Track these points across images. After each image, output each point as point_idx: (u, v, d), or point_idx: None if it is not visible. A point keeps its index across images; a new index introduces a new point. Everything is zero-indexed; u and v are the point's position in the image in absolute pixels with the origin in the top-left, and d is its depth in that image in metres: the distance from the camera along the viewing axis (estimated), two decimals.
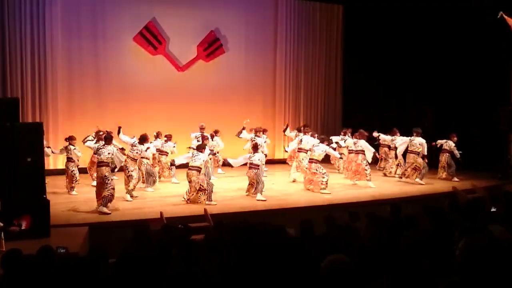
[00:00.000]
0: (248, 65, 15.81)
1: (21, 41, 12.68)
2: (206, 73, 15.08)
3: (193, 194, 9.72)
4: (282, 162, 14.99)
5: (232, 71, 15.53)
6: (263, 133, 12.92)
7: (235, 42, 15.50)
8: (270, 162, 14.40)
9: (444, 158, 12.76)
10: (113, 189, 9.06)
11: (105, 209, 8.80)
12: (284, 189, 11.42)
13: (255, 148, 10.65)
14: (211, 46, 15.06)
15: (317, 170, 10.98)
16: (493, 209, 6.70)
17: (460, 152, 12.59)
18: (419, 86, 15.18)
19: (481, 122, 13.87)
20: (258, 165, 10.36)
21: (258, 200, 10.02)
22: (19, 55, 12.70)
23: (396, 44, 15.11)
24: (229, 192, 10.91)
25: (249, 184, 10.52)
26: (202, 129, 12.23)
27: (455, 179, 12.56)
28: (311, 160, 11.20)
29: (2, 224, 6.44)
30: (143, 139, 10.58)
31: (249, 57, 15.78)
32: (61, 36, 13.28)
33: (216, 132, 12.73)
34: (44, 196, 7.70)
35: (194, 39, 14.84)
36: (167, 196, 10.49)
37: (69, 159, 10.74)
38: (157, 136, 11.94)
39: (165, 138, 11.97)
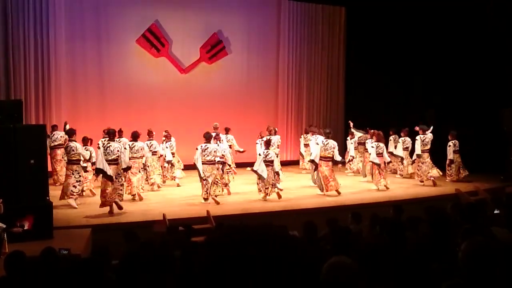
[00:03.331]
0: (251, 67, 15.82)
1: (25, 43, 12.72)
2: (209, 75, 15.11)
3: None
4: (285, 164, 15.08)
5: (234, 73, 15.56)
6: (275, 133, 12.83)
7: (238, 44, 15.53)
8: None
9: (457, 157, 12.74)
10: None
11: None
12: (288, 191, 11.41)
13: (268, 144, 10.66)
14: (214, 48, 15.09)
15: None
16: (496, 211, 6.67)
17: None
18: (422, 88, 15.17)
19: (483, 123, 13.84)
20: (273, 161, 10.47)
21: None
22: (23, 57, 12.73)
23: (398, 46, 15.10)
24: (234, 195, 10.89)
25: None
26: (216, 128, 12.14)
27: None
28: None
29: (4, 226, 6.45)
30: (134, 137, 10.59)
31: (251, 59, 15.79)
32: (65, 38, 13.32)
33: (227, 129, 12.80)
34: (47, 197, 7.72)
35: (197, 41, 14.87)
36: (170, 198, 10.51)
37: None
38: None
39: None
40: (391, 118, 14.69)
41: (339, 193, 10.88)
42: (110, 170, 8.95)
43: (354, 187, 12.04)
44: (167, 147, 11.65)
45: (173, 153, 11.88)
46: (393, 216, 6.13)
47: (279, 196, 10.41)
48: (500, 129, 13.21)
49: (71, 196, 9.52)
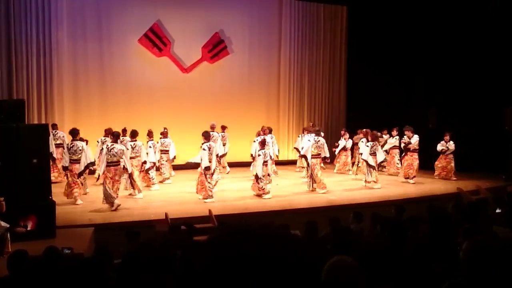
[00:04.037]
0: (252, 67, 15.82)
1: (27, 43, 12.75)
2: (210, 74, 15.12)
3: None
4: (286, 163, 15.08)
5: (236, 73, 15.56)
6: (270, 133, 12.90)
7: (240, 44, 15.53)
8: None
9: (450, 158, 12.85)
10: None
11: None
12: (289, 190, 11.42)
13: (263, 144, 10.72)
14: (216, 48, 15.09)
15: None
16: (498, 210, 6.67)
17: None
18: (423, 87, 15.15)
19: (484, 122, 13.84)
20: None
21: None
22: (25, 57, 12.76)
23: (400, 44, 15.08)
24: (234, 192, 10.93)
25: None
26: (212, 128, 12.19)
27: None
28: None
29: (8, 225, 6.48)
30: (133, 135, 10.69)
31: (253, 58, 15.80)
32: (67, 38, 13.35)
33: (223, 127, 12.90)
34: (50, 197, 7.75)
35: (198, 40, 14.88)
36: (173, 197, 10.53)
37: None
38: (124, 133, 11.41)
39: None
40: (392, 117, 14.68)
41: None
42: (101, 169, 9.37)
43: (355, 186, 12.04)
44: (156, 142, 11.77)
45: (166, 151, 11.93)
46: (395, 216, 6.13)
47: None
48: (502, 128, 13.20)
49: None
